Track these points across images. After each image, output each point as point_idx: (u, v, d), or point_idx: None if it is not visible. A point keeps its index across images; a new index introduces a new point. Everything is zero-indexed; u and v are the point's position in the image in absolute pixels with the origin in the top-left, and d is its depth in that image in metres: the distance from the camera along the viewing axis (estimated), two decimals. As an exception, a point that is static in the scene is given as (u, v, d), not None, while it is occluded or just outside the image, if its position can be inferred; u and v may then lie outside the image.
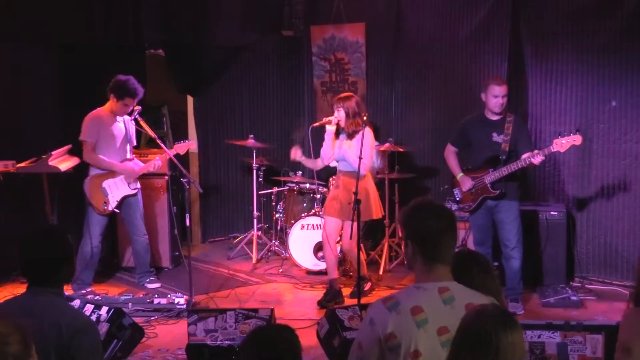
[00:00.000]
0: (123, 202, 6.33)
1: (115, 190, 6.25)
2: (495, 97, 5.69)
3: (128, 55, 7.46)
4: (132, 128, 6.36)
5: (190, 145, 6.56)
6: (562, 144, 5.43)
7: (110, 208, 6.23)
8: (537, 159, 5.46)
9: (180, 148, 6.39)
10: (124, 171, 6.25)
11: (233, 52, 8.22)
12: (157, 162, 6.38)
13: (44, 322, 2.71)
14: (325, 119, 6.18)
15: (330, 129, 6.10)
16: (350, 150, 5.95)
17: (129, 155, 6.40)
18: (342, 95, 6.20)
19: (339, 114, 6.04)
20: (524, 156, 5.53)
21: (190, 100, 8.35)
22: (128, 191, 6.31)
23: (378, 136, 7.57)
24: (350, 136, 6.02)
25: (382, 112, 7.75)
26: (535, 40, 6.70)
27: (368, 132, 5.91)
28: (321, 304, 5.97)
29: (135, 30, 7.25)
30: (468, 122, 5.96)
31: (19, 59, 6.94)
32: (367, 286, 6.21)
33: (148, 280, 6.53)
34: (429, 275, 2.56)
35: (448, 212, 2.65)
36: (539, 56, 6.68)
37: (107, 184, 6.21)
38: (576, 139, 5.43)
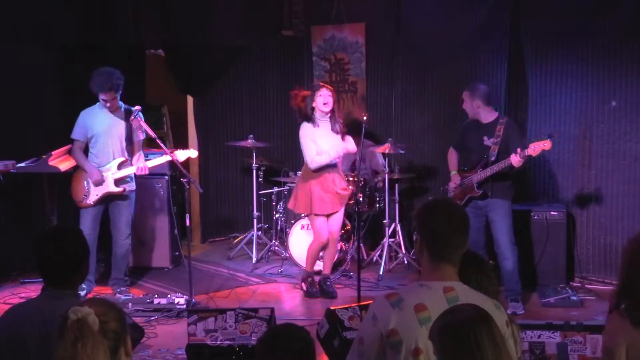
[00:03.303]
0: (114, 201, 6.17)
1: (98, 185, 6.09)
2: None
3: (128, 55, 7.46)
4: (134, 127, 6.12)
5: (192, 154, 6.34)
6: (534, 148, 5.46)
7: (88, 201, 6.08)
8: (515, 158, 5.48)
9: (181, 155, 6.19)
10: (89, 173, 6.03)
11: (233, 52, 8.22)
12: (142, 169, 6.14)
13: None
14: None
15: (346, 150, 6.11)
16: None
17: (122, 155, 6.16)
18: (324, 84, 6.25)
19: (328, 99, 6.00)
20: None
21: (190, 100, 8.35)
22: (111, 189, 6.08)
23: (378, 136, 7.60)
24: (334, 127, 6.07)
25: (382, 112, 7.75)
26: (535, 40, 6.70)
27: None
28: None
29: (135, 30, 7.25)
30: (465, 126, 6.06)
31: (19, 59, 6.94)
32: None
33: (119, 290, 6.26)
34: (435, 273, 2.56)
35: (461, 212, 2.62)
36: (539, 56, 6.68)
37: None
38: (546, 144, 5.44)
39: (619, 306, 2.80)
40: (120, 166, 6.15)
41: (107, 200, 6.17)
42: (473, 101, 5.81)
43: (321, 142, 6.03)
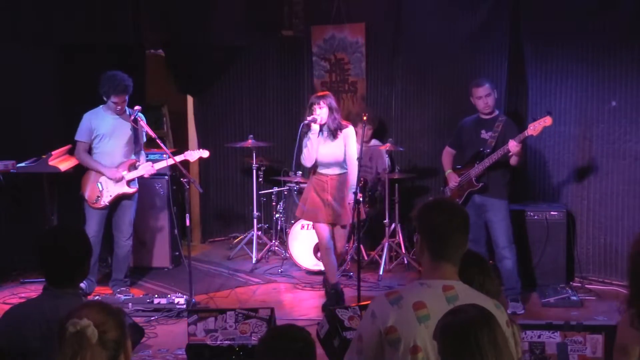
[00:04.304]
0: (119, 201, 6.21)
1: (112, 186, 6.13)
2: (479, 98, 5.80)
3: (128, 55, 7.46)
4: (140, 128, 6.16)
5: (203, 154, 6.44)
6: (534, 127, 5.50)
7: (102, 203, 6.12)
8: (512, 144, 5.49)
9: (192, 155, 6.35)
10: (107, 174, 6.07)
11: (233, 52, 8.22)
12: (150, 170, 6.23)
13: None
14: (309, 117, 5.81)
15: (315, 128, 5.79)
16: (337, 150, 5.84)
17: (128, 157, 6.20)
18: (319, 93, 6.04)
19: (321, 112, 5.78)
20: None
21: (190, 100, 8.35)
22: (125, 189, 6.17)
23: (378, 135, 7.59)
24: (334, 134, 5.82)
25: (382, 112, 7.75)
26: (535, 40, 6.70)
27: (353, 131, 5.93)
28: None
29: (135, 30, 7.24)
30: (463, 124, 6.08)
31: (19, 59, 6.94)
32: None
33: (119, 290, 6.26)
34: (435, 272, 2.56)
35: (462, 212, 2.63)
36: (539, 56, 6.69)
37: (104, 179, 6.12)
38: (546, 120, 5.50)
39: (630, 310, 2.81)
40: (130, 168, 6.19)
41: (115, 201, 6.20)
42: (495, 92, 5.84)
43: (320, 149, 5.92)
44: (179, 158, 6.15)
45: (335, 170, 5.92)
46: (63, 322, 2.20)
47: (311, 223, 6.76)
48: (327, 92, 6.11)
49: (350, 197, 5.81)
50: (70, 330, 2.17)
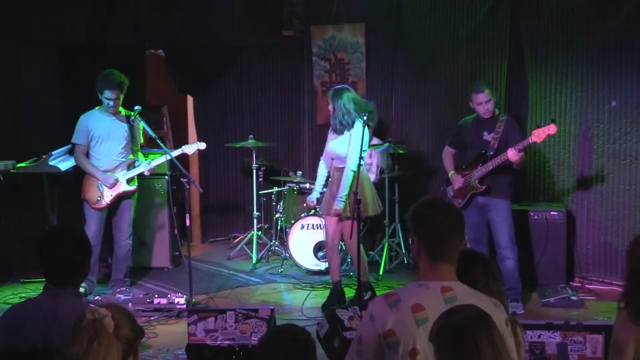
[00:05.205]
0: (119, 202, 6.20)
1: (113, 187, 6.17)
2: (479, 104, 5.76)
3: (128, 55, 7.46)
4: (137, 128, 6.19)
5: (200, 146, 6.49)
6: (538, 134, 5.48)
7: (104, 202, 6.12)
8: (511, 152, 5.48)
9: (189, 148, 6.38)
10: (102, 180, 6.07)
11: (233, 52, 8.23)
12: (149, 166, 6.22)
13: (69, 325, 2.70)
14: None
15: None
16: (339, 146, 5.80)
17: (126, 157, 6.19)
18: (334, 88, 5.94)
19: (330, 108, 5.85)
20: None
21: (190, 100, 8.35)
22: (125, 188, 6.16)
23: (378, 135, 7.58)
24: (339, 131, 5.81)
25: (382, 112, 7.74)
26: (535, 41, 6.70)
27: (359, 125, 5.73)
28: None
29: (135, 30, 7.25)
30: (463, 124, 6.05)
31: (19, 59, 6.94)
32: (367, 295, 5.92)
33: (119, 290, 6.24)
34: (433, 273, 2.55)
35: (456, 211, 2.64)
36: (539, 56, 6.69)
37: None
38: (551, 129, 5.48)
39: (627, 306, 2.82)
40: (129, 166, 6.19)
41: (115, 202, 6.20)
42: (494, 96, 5.84)
43: (329, 142, 5.97)
44: (177, 152, 6.20)
45: (337, 164, 5.90)
46: (81, 313, 2.27)
47: (311, 223, 6.80)
48: (341, 89, 5.89)
49: (336, 206, 5.72)
50: (89, 317, 2.23)
